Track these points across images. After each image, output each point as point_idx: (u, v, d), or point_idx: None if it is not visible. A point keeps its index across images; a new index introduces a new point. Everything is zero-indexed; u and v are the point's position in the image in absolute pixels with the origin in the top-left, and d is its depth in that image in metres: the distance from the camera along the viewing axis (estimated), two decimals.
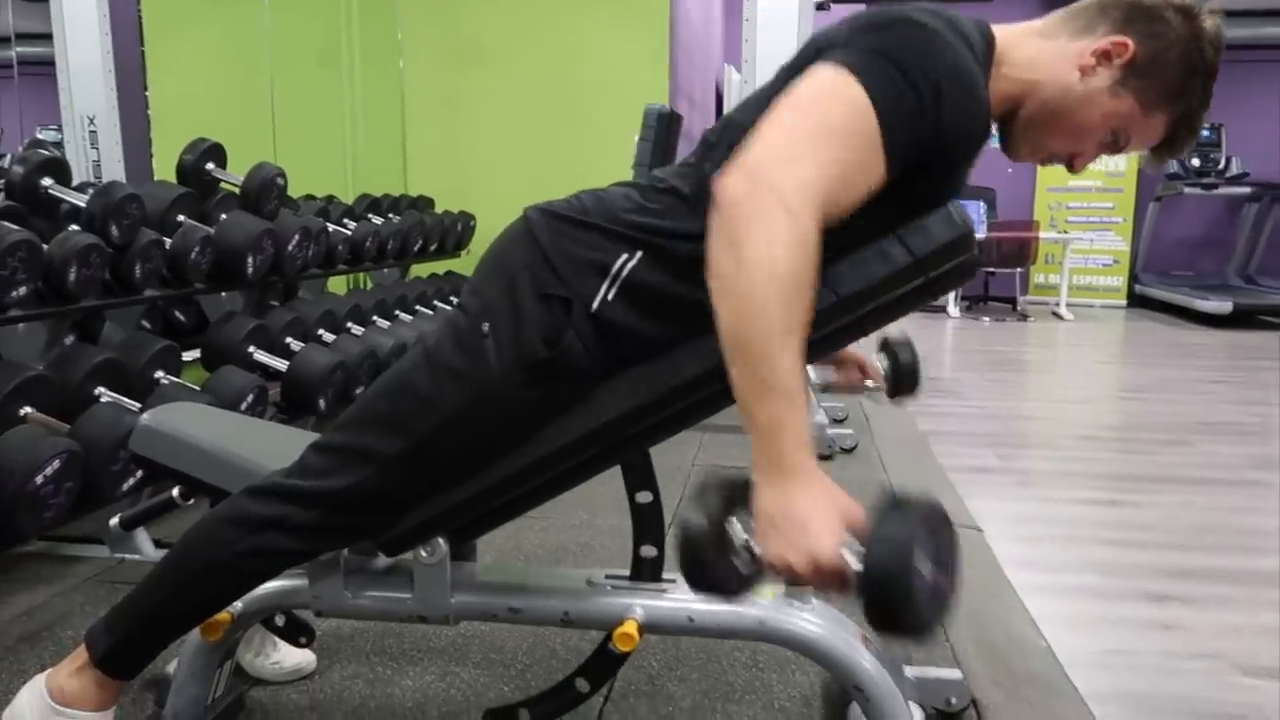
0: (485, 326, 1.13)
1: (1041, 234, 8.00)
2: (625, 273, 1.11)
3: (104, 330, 2.92)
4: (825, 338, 1.18)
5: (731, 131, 1.14)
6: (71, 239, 2.00)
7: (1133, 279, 8.54)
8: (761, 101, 1.12)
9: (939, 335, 6.86)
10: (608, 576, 1.35)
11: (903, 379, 1.74)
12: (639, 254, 1.12)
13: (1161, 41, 1.08)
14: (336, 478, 1.17)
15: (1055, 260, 8.37)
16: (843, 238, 1.07)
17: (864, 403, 4.08)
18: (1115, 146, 1.15)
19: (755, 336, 0.86)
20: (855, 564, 0.83)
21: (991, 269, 8.05)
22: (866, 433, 3.57)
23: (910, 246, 1.12)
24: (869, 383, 1.75)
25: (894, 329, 1.36)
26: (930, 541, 0.84)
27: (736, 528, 0.91)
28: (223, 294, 2.99)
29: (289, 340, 2.87)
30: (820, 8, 5.03)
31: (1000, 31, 1.14)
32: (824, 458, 3.15)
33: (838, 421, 3.63)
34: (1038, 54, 1.12)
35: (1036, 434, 4.00)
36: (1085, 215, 8.57)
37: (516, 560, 2.25)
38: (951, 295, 7.79)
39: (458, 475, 1.20)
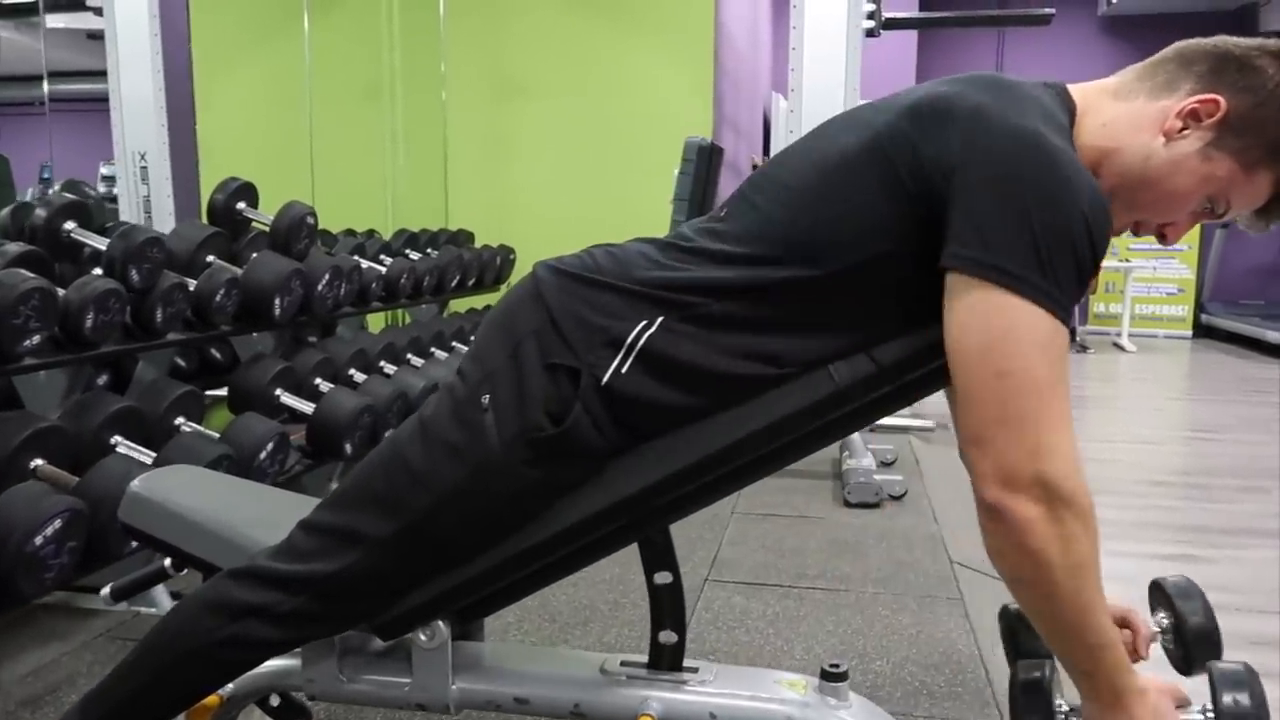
0: (485, 398, 1.03)
1: (1102, 262, 7.72)
2: (643, 342, 1.00)
3: (137, 371, 2.90)
4: (864, 408, 1.07)
5: (771, 191, 1.04)
6: (89, 284, 1.95)
7: (1199, 308, 8.21)
8: (809, 161, 1.02)
9: None
10: (623, 664, 1.24)
11: (1193, 650, 1.11)
12: (659, 319, 1.01)
13: (1259, 94, 0.95)
14: (324, 561, 1.07)
15: (1116, 289, 8.08)
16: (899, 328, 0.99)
17: (914, 443, 3.91)
18: (1213, 213, 1.02)
19: (1080, 619, 0.91)
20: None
21: None
22: (917, 476, 3.41)
23: None
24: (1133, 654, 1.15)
25: (1170, 571, 1.19)
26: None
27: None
28: (254, 334, 2.95)
29: (318, 381, 2.81)
30: (870, 34, 4.91)
31: (1074, 91, 1.02)
32: (871, 505, 3.00)
33: (886, 464, 3.47)
34: (1113, 119, 1.00)
35: (1100, 478, 3.78)
36: (1148, 242, 8.18)
37: (542, 620, 2.14)
38: None
39: (455, 559, 1.09)
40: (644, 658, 1.23)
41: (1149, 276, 8.12)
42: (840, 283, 0.97)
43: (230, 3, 5.25)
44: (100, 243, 2.14)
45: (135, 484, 1.30)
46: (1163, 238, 1.04)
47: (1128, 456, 4.12)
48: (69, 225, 2.18)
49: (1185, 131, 0.96)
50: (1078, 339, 7.73)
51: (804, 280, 0.97)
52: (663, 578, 1.22)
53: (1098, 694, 0.94)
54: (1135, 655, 1.13)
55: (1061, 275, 0.87)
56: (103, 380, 2.88)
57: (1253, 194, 0.99)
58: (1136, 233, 1.05)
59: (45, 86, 5.15)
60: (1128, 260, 7.96)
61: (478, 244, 4.54)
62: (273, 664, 1.27)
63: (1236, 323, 7.59)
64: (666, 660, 1.21)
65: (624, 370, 1.00)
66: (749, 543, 2.70)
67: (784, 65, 3.84)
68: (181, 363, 3.19)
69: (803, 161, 1.02)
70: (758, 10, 6.16)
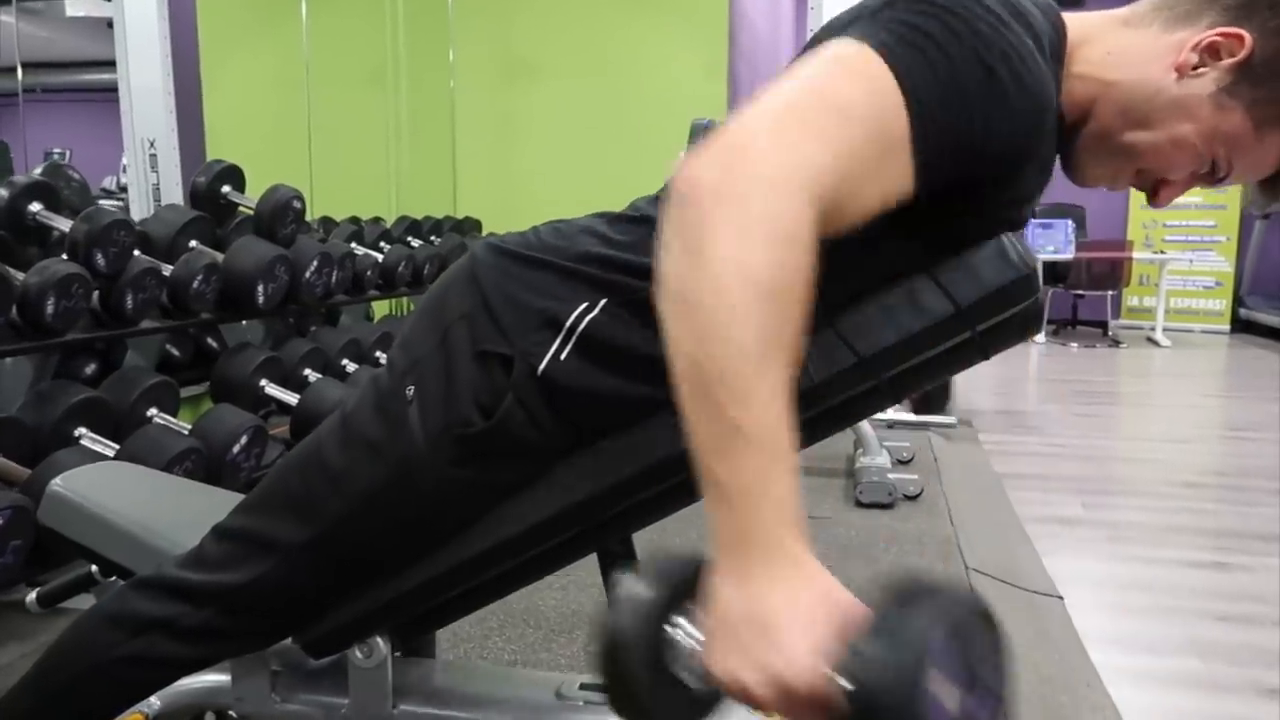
0: (410, 389, 0.91)
1: (1135, 254, 7.48)
2: (583, 326, 0.87)
3: (125, 360, 2.82)
4: (843, 405, 0.94)
5: None
6: (49, 269, 1.86)
7: (1237, 302, 7.94)
8: None
9: (1021, 363, 6.43)
10: (582, 686, 1.12)
11: None
12: (602, 301, 0.88)
13: None
14: (235, 570, 0.96)
15: (1150, 281, 7.83)
16: (854, 280, 0.83)
17: (934, 441, 3.75)
18: (1213, 176, 0.86)
19: (722, 361, 0.61)
20: (845, 685, 0.55)
21: (1080, 291, 7.57)
22: (934, 475, 3.25)
23: (951, 292, 0.85)
24: None
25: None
26: (955, 650, 0.56)
27: (685, 630, 0.63)
28: (243, 323, 2.86)
29: (307, 372, 2.71)
30: None
31: (1073, 20, 0.87)
32: (884, 506, 2.85)
33: (903, 463, 3.32)
34: (1119, 47, 0.84)
35: (1130, 479, 3.61)
36: (1184, 234, 8.00)
37: (527, 626, 2.02)
38: None
39: (381, 571, 0.97)
40: None
41: (1185, 269, 7.85)
42: None
43: None
44: (68, 225, 2.05)
45: (56, 483, 1.20)
46: (1154, 197, 0.89)
47: (1160, 456, 3.93)
48: (35, 207, 2.09)
49: (1200, 70, 0.81)
50: (1110, 333, 7.50)
51: None
52: None
53: (725, 527, 0.61)
54: None
55: (926, 58, 0.69)
56: (91, 369, 2.81)
57: (1259, 159, 0.83)
58: (1120, 187, 0.90)
59: (19, 74, 5.12)
60: (1163, 252, 7.70)
61: (485, 231, 4.43)
62: (201, 680, 1.16)
63: (1277, 317, 7.32)
64: None
65: (562, 357, 0.87)
66: None
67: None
68: (175, 352, 3.11)
69: None
70: None
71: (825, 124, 0.66)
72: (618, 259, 0.88)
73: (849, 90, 0.68)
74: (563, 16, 4.71)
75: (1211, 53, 0.81)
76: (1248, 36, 0.80)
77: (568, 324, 0.87)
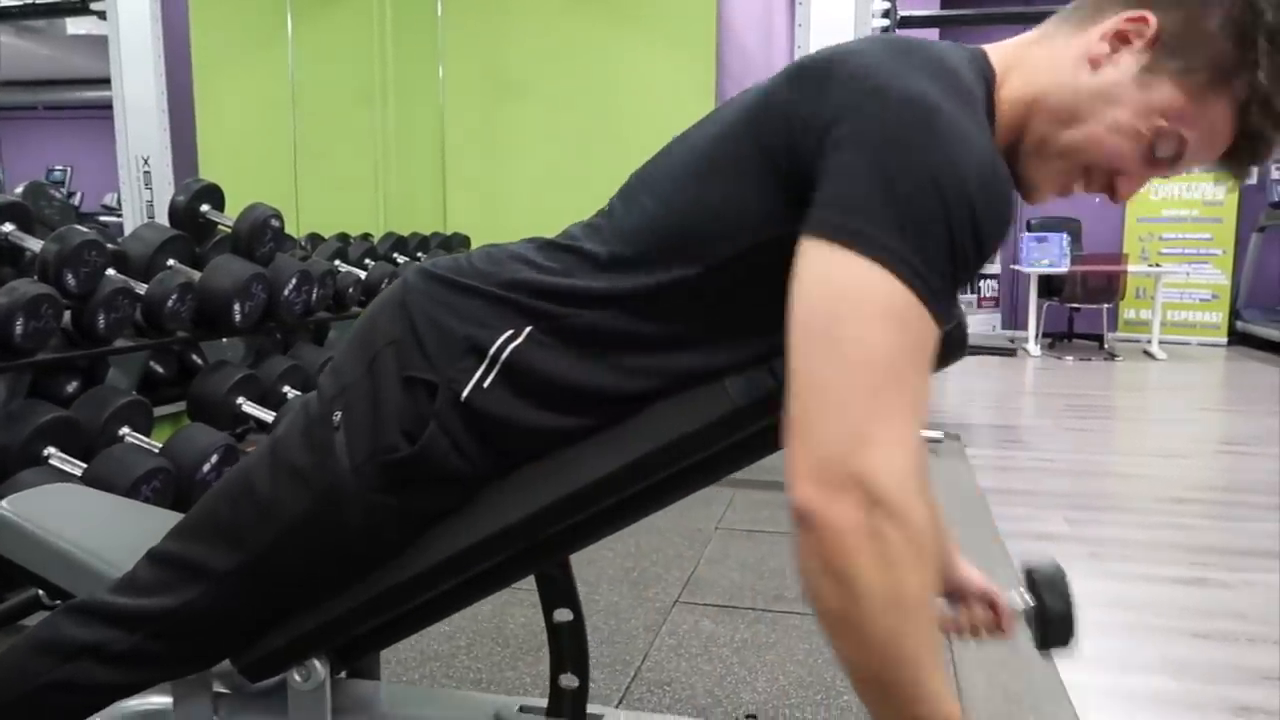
0: (337, 416, 0.91)
1: (1131, 267, 7.47)
2: (507, 353, 0.88)
3: (108, 378, 2.83)
4: (765, 431, 0.94)
5: (654, 179, 0.91)
6: (17, 289, 1.87)
7: (1234, 315, 7.92)
8: (692, 143, 0.89)
9: (1016, 376, 6.42)
10: (522, 709, 1.13)
11: (1050, 630, 1.14)
12: (527, 329, 0.89)
13: (1191, 8, 0.80)
14: (164, 596, 0.96)
15: (1146, 294, 7.81)
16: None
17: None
18: (1170, 158, 0.84)
19: (896, 675, 0.71)
20: None
21: (1076, 304, 7.55)
22: None
23: None
24: (998, 630, 1.17)
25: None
26: None
27: None
28: (223, 340, 2.87)
29: (286, 389, 2.72)
30: (885, 33, 4.76)
31: (993, 52, 0.88)
32: None
33: None
34: (1033, 65, 0.86)
35: (1116, 494, 3.59)
36: (1180, 247, 7.99)
37: (495, 644, 2.02)
38: (1032, 331, 7.32)
39: (311, 596, 0.98)
40: (544, 703, 1.11)
41: (1181, 282, 7.85)
42: (722, 281, 0.84)
43: (231, 4, 5.21)
44: (40, 246, 2.06)
45: (1, 505, 1.20)
46: (1113, 193, 0.87)
47: (1150, 471, 3.91)
48: (7, 228, 2.10)
49: (1114, 56, 0.82)
50: (1106, 346, 7.49)
51: (681, 282, 0.84)
52: (562, 615, 1.11)
53: None
54: (1000, 632, 1.13)
55: (930, 249, 0.71)
56: (72, 387, 2.82)
57: (1209, 130, 0.82)
58: (1067, 191, 0.89)
59: None
60: (1159, 265, 7.69)
61: (473, 247, 4.45)
62: (143, 702, 1.18)
63: (1274, 330, 7.30)
64: (568, 707, 1.10)
65: (485, 385, 0.88)
66: (728, 561, 2.56)
67: None
68: (159, 369, 3.12)
69: (686, 144, 0.90)
70: (771, 9, 6.01)
71: (892, 394, 0.70)
72: (545, 286, 0.89)
73: (889, 338, 0.70)
74: (551, 35, 4.74)
75: (1122, 39, 0.82)
76: (1151, 17, 0.81)
77: (491, 351, 0.88)
